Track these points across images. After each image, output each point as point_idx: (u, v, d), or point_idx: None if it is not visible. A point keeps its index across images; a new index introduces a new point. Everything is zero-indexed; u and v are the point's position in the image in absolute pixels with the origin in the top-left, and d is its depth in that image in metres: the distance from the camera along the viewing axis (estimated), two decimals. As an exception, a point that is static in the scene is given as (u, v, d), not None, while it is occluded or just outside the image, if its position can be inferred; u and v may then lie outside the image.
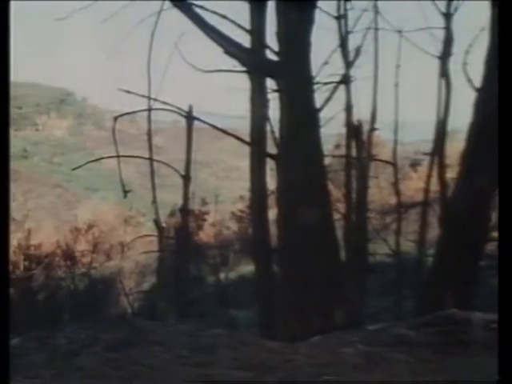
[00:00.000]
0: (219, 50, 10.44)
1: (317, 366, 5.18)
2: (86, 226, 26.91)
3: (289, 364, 5.22)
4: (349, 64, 12.52)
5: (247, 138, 10.96)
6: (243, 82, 10.86)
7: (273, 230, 10.38)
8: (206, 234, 21.10)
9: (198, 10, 10.61)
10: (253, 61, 10.33)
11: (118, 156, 14.11)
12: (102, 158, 17.17)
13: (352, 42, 12.76)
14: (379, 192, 14.82)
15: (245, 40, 10.59)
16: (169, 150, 29.51)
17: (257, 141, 10.53)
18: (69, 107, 66.23)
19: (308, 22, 9.97)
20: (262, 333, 9.75)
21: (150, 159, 13.91)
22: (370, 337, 5.83)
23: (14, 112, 48.04)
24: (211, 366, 5.22)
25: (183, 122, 13.77)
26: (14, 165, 43.09)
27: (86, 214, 33.64)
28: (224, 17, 10.81)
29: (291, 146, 10.02)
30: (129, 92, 13.34)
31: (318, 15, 10.47)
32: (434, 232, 12.14)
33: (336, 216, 11.51)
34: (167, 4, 11.64)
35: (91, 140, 58.57)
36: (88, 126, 64.13)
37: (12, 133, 45.65)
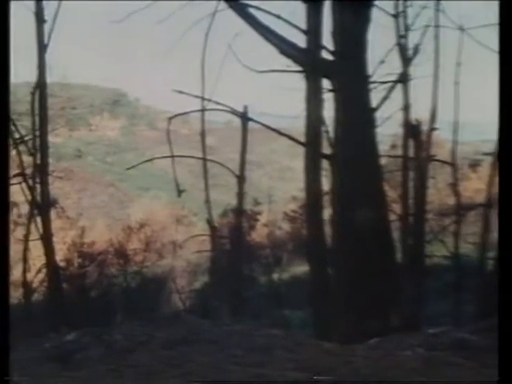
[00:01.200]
0: (272, 51, 10.40)
1: (375, 368, 5.06)
2: (138, 224, 27.22)
3: (346, 366, 5.11)
4: (407, 62, 12.28)
5: (301, 139, 10.86)
6: (297, 82, 10.79)
7: (327, 230, 10.27)
8: (258, 234, 21.08)
9: (252, 11, 10.59)
10: (309, 61, 10.23)
11: (172, 156, 14.19)
12: (157, 158, 17.31)
13: (410, 40, 12.53)
14: (437, 193, 14.54)
15: (299, 40, 10.52)
16: (221, 151, 29.68)
17: (312, 141, 10.41)
18: (122, 108, 67.27)
19: (364, 20, 9.83)
20: (316, 334, 9.65)
21: (204, 159, 13.95)
22: (429, 340, 5.67)
23: (68, 113, 48.93)
24: (266, 366, 5.16)
25: (236, 122, 13.81)
26: (68, 164, 44.00)
27: (138, 213, 34.06)
28: (278, 17, 10.75)
29: (346, 146, 9.89)
30: (182, 93, 13.42)
31: (375, 13, 10.33)
32: (494, 234, 11.81)
33: (392, 217, 11.31)
34: (222, 5, 11.68)
35: (144, 140, 59.35)
36: (141, 127, 64.99)
37: (66, 133, 46.58)
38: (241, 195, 13.80)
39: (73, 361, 5.88)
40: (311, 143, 10.41)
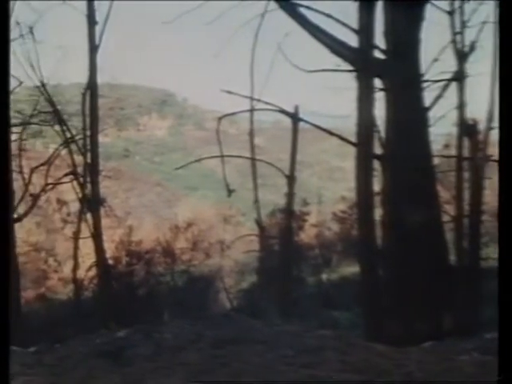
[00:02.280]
0: (322, 50, 10.30)
1: (430, 373, 4.94)
2: (185, 224, 27.37)
3: (400, 369, 5.00)
4: (462, 60, 11.97)
5: (352, 138, 10.72)
6: (348, 82, 10.66)
7: (378, 231, 10.10)
8: (306, 235, 20.93)
9: (302, 10, 10.51)
10: (360, 60, 10.09)
11: (222, 156, 14.20)
12: (207, 158, 17.38)
13: (465, 37, 12.18)
14: (493, 194, 14.14)
15: (349, 39, 10.39)
16: (270, 150, 29.67)
17: (363, 141, 10.24)
18: (170, 108, 67.92)
19: (417, 19, 9.67)
20: (366, 335, 9.51)
21: (253, 159, 13.93)
22: (486, 345, 5.51)
23: (116, 113, 49.61)
24: (318, 367, 5.09)
25: (284, 122, 13.78)
26: (117, 164, 44.61)
27: (185, 212, 34.33)
28: (329, 16, 10.63)
29: (398, 146, 9.73)
30: (231, 93, 13.41)
31: (429, 11, 10.13)
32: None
33: (445, 218, 11.07)
34: (271, 5, 11.64)
35: (191, 140, 59.79)
36: (188, 127, 65.49)
37: (115, 133, 47.17)
38: (291, 195, 13.73)
39: (123, 357, 5.92)
40: (362, 143, 10.24)
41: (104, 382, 5.23)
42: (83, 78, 15.56)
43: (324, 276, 18.17)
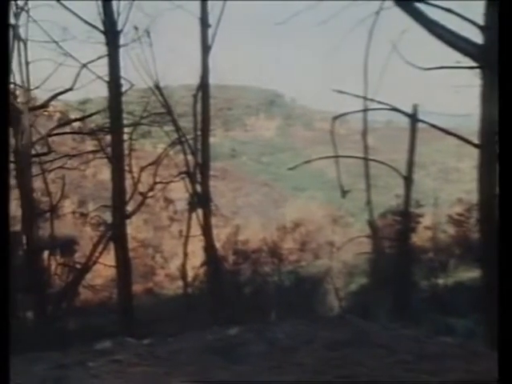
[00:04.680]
0: (438, 47, 9.86)
1: None
2: (292, 224, 27.36)
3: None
4: None
5: (471, 138, 10.19)
6: (468, 79, 10.19)
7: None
8: (419, 237, 20.32)
9: (420, 6, 10.12)
10: (486, 57, 9.55)
11: (336, 156, 13.99)
12: (319, 159, 17.21)
13: None
14: None
15: (468, 34, 9.91)
16: (381, 151, 29.05)
17: (486, 141, 9.65)
18: (278, 108, 68.10)
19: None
20: (487, 344, 9.01)
21: (366, 159, 13.62)
22: None
23: (224, 113, 50.31)
24: (441, 375, 4.82)
25: (397, 121, 13.39)
26: (223, 164, 45.23)
27: (292, 212, 34.27)
28: (449, 11, 10.17)
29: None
30: (343, 92, 13.17)
31: None
32: None
33: None
34: (387, 3, 11.33)
35: (299, 140, 59.65)
36: (296, 127, 65.45)
37: (222, 133, 47.88)
38: (407, 196, 13.31)
39: (235, 355, 5.87)
40: (485, 143, 9.66)
41: (216, 378, 5.19)
42: (191, 79, 15.84)
43: (439, 280, 17.52)
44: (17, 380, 5.28)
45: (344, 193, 13.41)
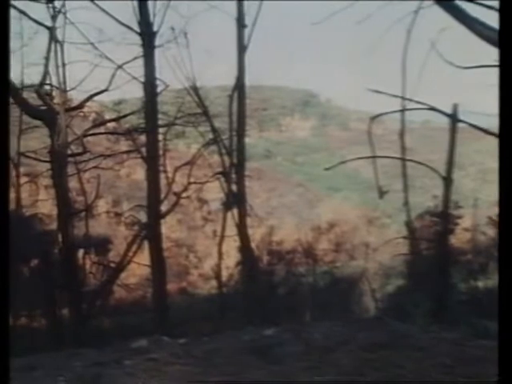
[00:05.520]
0: (478, 45, 9.67)
1: None
2: (327, 225, 27.18)
3: None
4: None
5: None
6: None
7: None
8: (458, 239, 20.02)
9: (460, 4, 9.94)
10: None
11: (374, 157, 13.83)
12: (357, 159, 17.05)
13: None
14: None
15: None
16: (418, 151, 28.64)
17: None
18: (313, 109, 67.88)
19: None
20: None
21: (404, 159, 13.44)
22: None
23: (259, 114, 50.22)
24: (479, 378, 4.74)
25: (434, 121, 13.19)
26: (258, 164, 45.23)
27: (327, 213, 34.11)
28: (491, 8, 9.97)
29: None
30: (380, 92, 13.01)
31: None
32: None
33: None
34: (426, 2, 11.16)
35: (334, 140, 59.34)
36: (331, 127, 65.14)
37: (256, 134, 47.82)
38: (446, 197, 13.08)
39: (272, 355, 5.85)
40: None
41: (252, 378, 5.18)
42: (226, 80, 15.83)
43: (477, 283, 17.21)
44: (57, 374, 5.36)
45: (382, 193, 13.22)
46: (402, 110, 13.11)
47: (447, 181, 12.96)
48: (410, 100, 12.75)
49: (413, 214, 14.84)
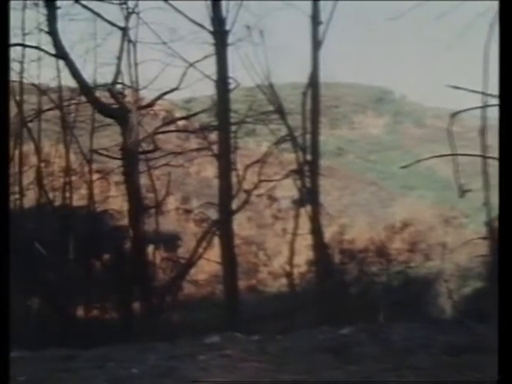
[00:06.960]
0: None
1: None
2: (401, 224, 26.73)
3: None
4: None
5: None
6: None
7: None
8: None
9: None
10: None
11: (453, 155, 13.39)
12: (435, 157, 16.59)
13: None
14: None
15: None
16: (497, 148, 27.87)
17: None
18: (386, 105, 66.47)
19: None
20: None
21: (485, 157, 12.96)
22: None
23: (331, 111, 49.75)
24: None
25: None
26: (330, 162, 44.85)
27: (401, 212, 33.44)
28: None
29: None
30: (459, 88, 12.58)
31: None
32: None
33: None
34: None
35: (409, 138, 58.03)
36: (406, 124, 63.72)
37: (328, 131, 47.28)
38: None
39: (348, 355, 5.72)
40: None
41: (328, 378, 5.07)
42: (297, 77, 15.69)
43: None
44: (131, 367, 5.40)
45: (462, 192, 12.78)
46: (484, 107, 12.63)
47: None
48: (492, 96, 12.28)
49: (493, 214, 14.31)
